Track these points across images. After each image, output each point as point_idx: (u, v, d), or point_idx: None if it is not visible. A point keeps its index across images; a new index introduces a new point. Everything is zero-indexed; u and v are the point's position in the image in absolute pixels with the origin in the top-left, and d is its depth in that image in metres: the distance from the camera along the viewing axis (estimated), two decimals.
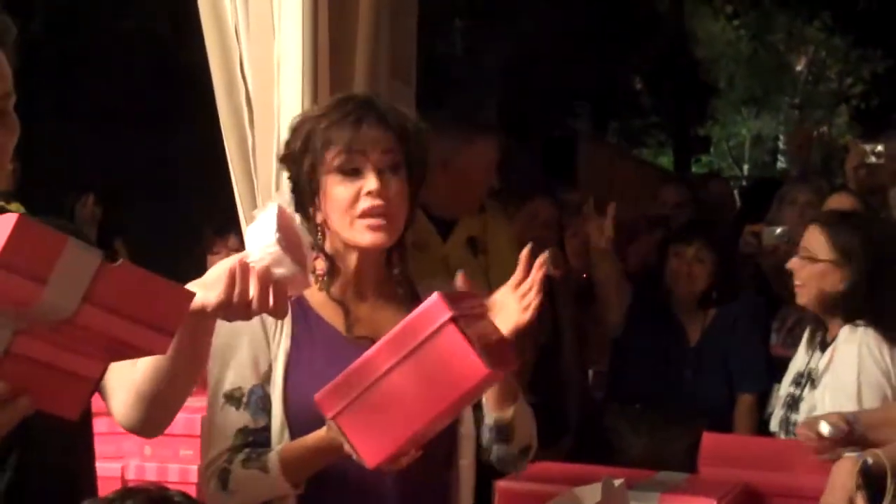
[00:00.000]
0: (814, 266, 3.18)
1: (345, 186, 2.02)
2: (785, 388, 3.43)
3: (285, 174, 2.20)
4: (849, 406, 2.92)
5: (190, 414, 2.82)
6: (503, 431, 2.10)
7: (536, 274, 2.07)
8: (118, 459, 2.99)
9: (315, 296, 2.10)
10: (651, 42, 12.94)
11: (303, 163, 2.05)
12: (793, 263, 3.22)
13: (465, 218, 3.57)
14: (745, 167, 18.64)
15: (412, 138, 2.07)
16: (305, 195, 2.07)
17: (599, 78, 12.66)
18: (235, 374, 2.04)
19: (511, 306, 2.06)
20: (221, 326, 2.04)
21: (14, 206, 3.05)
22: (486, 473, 2.23)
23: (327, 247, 2.09)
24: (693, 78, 14.92)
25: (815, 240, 3.19)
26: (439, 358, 1.74)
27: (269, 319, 2.02)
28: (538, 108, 11.53)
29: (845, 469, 2.42)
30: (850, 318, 3.14)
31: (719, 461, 2.78)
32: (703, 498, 2.42)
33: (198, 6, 2.67)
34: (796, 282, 3.21)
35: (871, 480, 2.41)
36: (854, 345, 3.07)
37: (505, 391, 2.08)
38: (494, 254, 3.58)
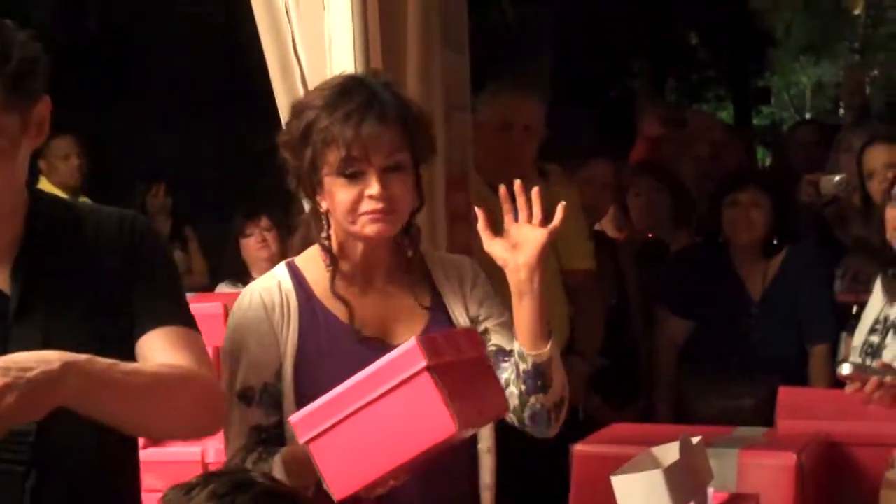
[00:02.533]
0: None
1: (347, 190, 2.02)
2: (861, 336, 3.37)
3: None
4: None
5: None
6: (541, 375, 2.08)
7: (520, 199, 2.09)
8: (197, 443, 3.03)
9: (322, 287, 2.10)
10: None
11: (303, 156, 2.04)
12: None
13: (526, 185, 3.55)
14: (808, 116, 18.36)
15: (415, 128, 2.05)
16: (305, 187, 2.08)
17: (654, 35, 12.51)
18: (246, 372, 2.05)
19: (527, 234, 2.06)
20: (229, 329, 2.06)
21: (82, 200, 3.10)
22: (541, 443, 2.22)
23: (333, 236, 2.10)
24: (749, 28, 14.68)
25: None
26: (411, 406, 1.74)
27: (276, 315, 2.05)
28: (593, 70, 11.44)
29: None
30: None
31: (797, 414, 2.76)
32: (782, 452, 2.40)
33: None
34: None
35: None
36: None
37: (539, 330, 2.06)
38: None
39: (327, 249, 2.09)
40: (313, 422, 1.79)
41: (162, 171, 6.21)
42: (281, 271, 2.14)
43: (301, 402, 1.97)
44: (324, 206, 2.07)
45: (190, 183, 6.52)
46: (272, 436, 2.04)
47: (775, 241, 3.97)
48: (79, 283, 1.78)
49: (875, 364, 2.86)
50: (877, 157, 4.14)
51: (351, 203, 2.02)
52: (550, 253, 3.52)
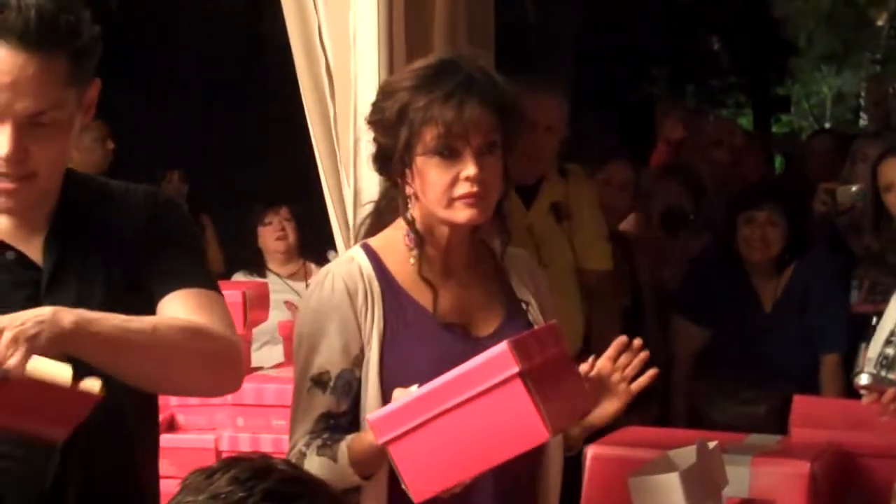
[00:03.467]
0: None
1: (442, 170, 1.97)
2: (877, 347, 3.36)
3: (365, 139, 2.19)
4: None
5: (282, 385, 2.85)
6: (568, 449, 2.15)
7: (624, 358, 2.08)
8: (211, 431, 3.04)
9: (403, 272, 2.07)
10: (729, 1, 12.73)
11: (397, 135, 1.99)
12: None
13: (547, 184, 3.56)
14: (827, 125, 18.31)
15: (512, 112, 2.02)
16: (395, 167, 2.02)
17: (675, 40, 12.49)
18: (324, 358, 2.02)
19: (609, 385, 2.06)
20: (307, 312, 2.05)
21: None
22: None
23: (417, 220, 2.05)
24: (771, 36, 14.65)
25: None
26: (501, 412, 1.70)
27: (359, 302, 2.02)
28: (614, 73, 11.42)
29: None
30: None
31: (810, 423, 2.75)
32: (795, 460, 2.40)
33: None
34: None
35: None
36: None
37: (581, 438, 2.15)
38: (578, 218, 3.56)
39: (416, 232, 2.04)
40: (393, 423, 1.77)
41: (179, 158, 6.22)
42: (359, 255, 2.08)
43: (386, 390, 1.95)
44: (409, 189, 2.03)
45: (207, 171, 6.53)
46: (340, 424, 2.01)
47: (787, 256, 3.98)
48: (108, 257, 1.79)
49: (892, 376, 2.85)
50: (893, 170, 4.12)
51: (446, 184, 1.98)
52: (568, 251, 3.55)
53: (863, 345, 3.48)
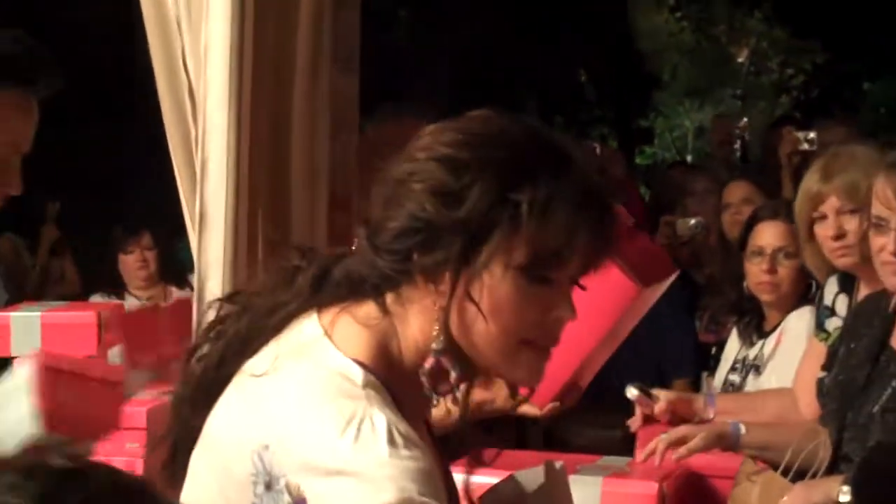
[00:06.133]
0: None
1: (530, 298, 1.38)
2: (722, 374, 3.50)
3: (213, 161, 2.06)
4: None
5: (135, 407, 2.81)
6: None
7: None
8: None
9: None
10: (596, 35, 13.00)
11: (475, 225, 1.35)
12: None
13: None
14: (689, 158, 18.81)
15: None
16: (429, 262, 1.37)
17: (545, 71, 12.69)
18: None
19: None
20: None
21: None
22: None
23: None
24: (636, 70, 15.01)
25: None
26: (588, 285, 1.45)
27: None
28: (486, 102, 11.54)
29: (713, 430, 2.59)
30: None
31: None
32: (644, 480, 2.47)
33: None
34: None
35: None
36: (804, 328, 3.15)
37: None
38: None
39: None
40: None
41: (47, 177, 6.10)
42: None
43: None
44: (435, 299, 1.40)
45: (77, 186, 6.43)
46: None
47: None
48: None
49: (655, 392, 3.01)
50: (735, 192, 4.36)
51: (534, 320, 1.41)
52: None
53: (705, 374, 3.62)
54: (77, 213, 6.20)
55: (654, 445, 2.60)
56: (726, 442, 2.66)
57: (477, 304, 1.35)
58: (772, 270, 3.35)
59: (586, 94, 15.01)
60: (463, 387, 1.42)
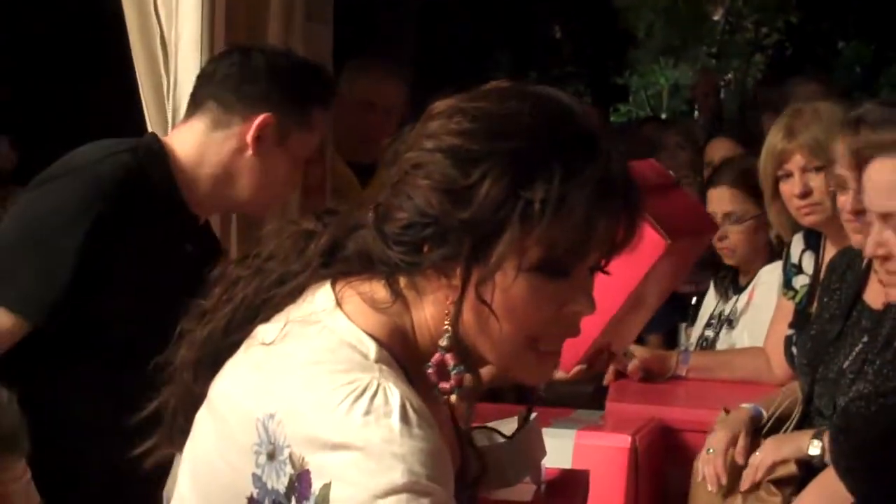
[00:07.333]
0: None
1: (545, 295, 1.31)
2: (697, 330, 3.52)
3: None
4: None
5: None
6: None
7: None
8: None
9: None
10: None
11: (484, 225, 1.28)
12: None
13: (383, 164, 3.56)
14: (663, 116, 18.83)
15: None
16: (439, 257, 1.31)
17: (520, 26, 12.65)
18: None
19: None
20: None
21: None
22: None
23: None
24: (611, 27, 14.97)
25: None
26: None
27: None
28: (457, 58, 11.50)
29: (739, 418, 2.51)
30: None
31: (628, 399, 2.87)
32: (617, 434, 2.48)
33: None
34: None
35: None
36: (775, 282, 3.17)
37: None
38: None
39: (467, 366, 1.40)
40: None
41: (11, 124, 6.06)
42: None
43: None
44: (446, 293, 1.35)
45: (44, 139, 6.37)
46: None
47: None
48: None
49: (632, 349, 3.06)
50: (716, 149, 4.42)
51: (547, 317, 1.35)
52: None
53: (683, 324, 3.63)
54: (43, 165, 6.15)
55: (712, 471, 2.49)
56: (755, 426, 2.57)
57: (489, 305, 1.30)
58: (722, 237, 3.35)
59: (562, 50, 14.98)
60: (466, 387, 1.35)
